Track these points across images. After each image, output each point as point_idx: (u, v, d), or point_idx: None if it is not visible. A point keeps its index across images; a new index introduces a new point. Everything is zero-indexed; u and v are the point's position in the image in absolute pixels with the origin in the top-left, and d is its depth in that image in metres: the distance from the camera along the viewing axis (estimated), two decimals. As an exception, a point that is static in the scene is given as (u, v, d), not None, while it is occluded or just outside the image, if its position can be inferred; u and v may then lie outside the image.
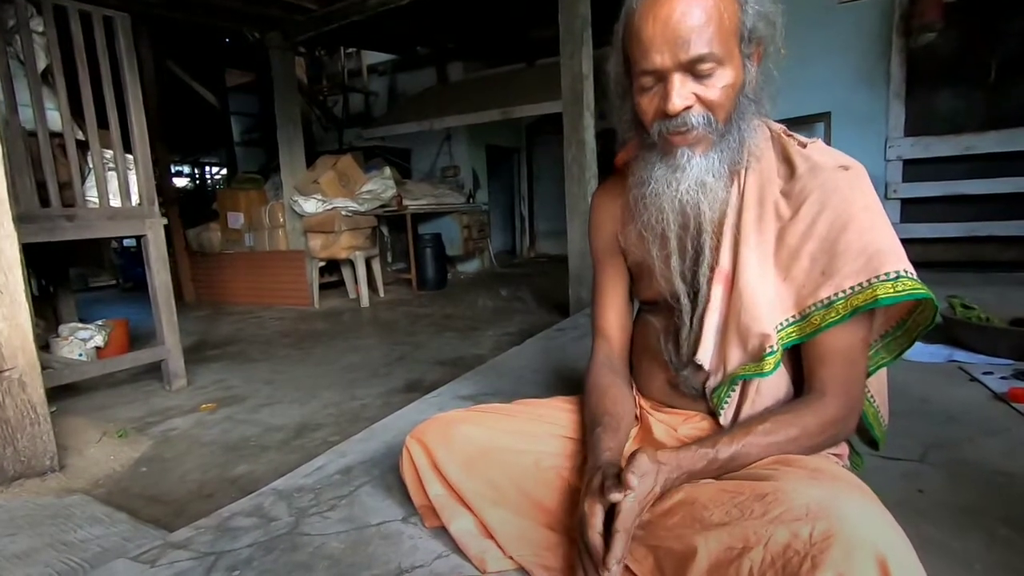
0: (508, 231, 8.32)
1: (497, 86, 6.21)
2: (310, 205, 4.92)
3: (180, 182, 8.96)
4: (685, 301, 0.89)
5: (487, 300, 4.84)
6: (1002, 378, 1.58)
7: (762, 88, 0.81)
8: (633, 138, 0.90)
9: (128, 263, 7.16)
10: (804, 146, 0.85)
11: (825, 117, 3.69)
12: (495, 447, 0.96)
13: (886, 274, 0.74)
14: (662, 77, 0.76)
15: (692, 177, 0.80)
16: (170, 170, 6.04)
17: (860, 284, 0.75)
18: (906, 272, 0.74)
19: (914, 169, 3.63)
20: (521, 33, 6.39)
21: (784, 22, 0.80)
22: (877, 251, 0.75)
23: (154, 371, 2.86)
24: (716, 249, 0.85)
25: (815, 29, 3.58)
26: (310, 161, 5.38)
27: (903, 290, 0.73)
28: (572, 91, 3.48)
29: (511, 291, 4.96)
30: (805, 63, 3.49)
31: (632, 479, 0.68)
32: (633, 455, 0.72)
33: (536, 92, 5.42)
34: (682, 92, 0.75)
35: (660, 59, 0.74)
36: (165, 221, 2.71)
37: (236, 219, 5.40)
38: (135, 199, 2.54)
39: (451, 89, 6.93)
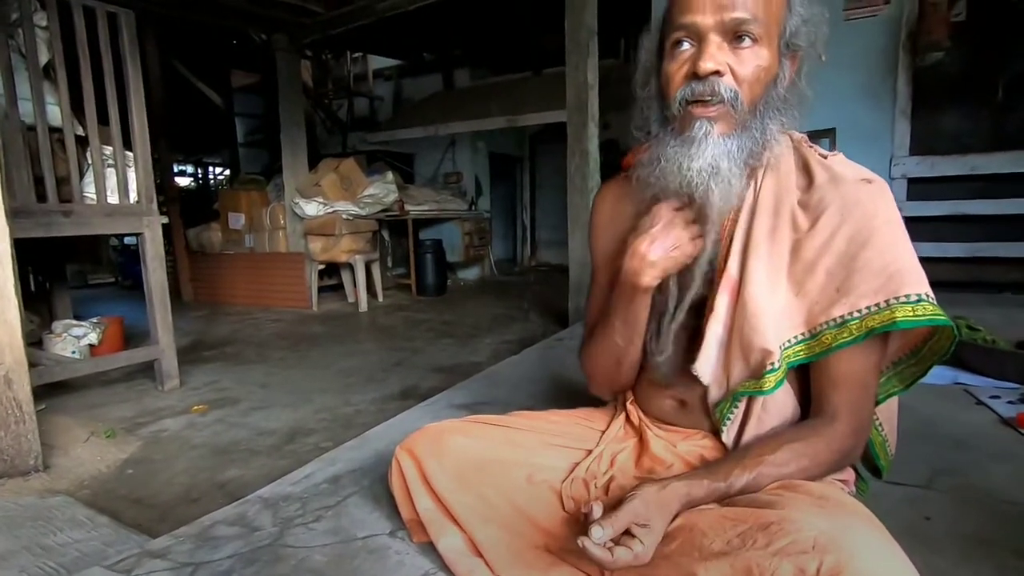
0: (509, 239, 8.30)
1: (503, 94, 6.22)
2: (311, 208, 4.91)
3: (183, 181, 8.96)
4: (672, 288, 0.85)
5: (486, 308, 4.81)
6: (1009, 402, 1.55)
7: (792, 95, 0.78)
8: (651, 128, 0.84)
9: (128, 261, 7.13)
10: (825, 157, 0.82)
11: (830, 133, 3.67)
12: (487, 460, 0.93)
13: (906, 296, 0.70)
14: (698, 37, 0.72)
15: (707, 156, 0.74)
16: (173, 169, 6.03)
17: (877, 304, 0.71)
18: (927, 296, 0.71)
19: (919, 188, 3.60)
20: (528, 42, 6.41)
21: (827, 33, 0.77)
22: (898, 271, 0.72)
23: (148, 370, 2.83)
24: (726, 254, 0.81)
25: (824, 45, 3.57)
26: (313, 164, 5.38)
27: (923, 315, 0.70)
28: (577, 100, 3.47)
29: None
30: (812, 79, 3.47)
31: (637, 546, 0.64)
32: (632, 495, 0.68)
33: (541, 101, 5.42)
34: (716, 55, 0.71)
35: (701, 15, 0.71)
36: (165, 220, 2.69)
37: (237, 220, 5.39)
38: (133, 197, 2.52)
39: (456, 95, 6.94)
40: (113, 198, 2.45)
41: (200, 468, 1.87)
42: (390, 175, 5.49)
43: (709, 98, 0.73)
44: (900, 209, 2.75)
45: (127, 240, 7.13)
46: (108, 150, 2.43)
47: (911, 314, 0.70)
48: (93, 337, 3.02)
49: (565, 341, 2.78)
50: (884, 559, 0.54)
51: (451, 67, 7.24)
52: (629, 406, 1.00)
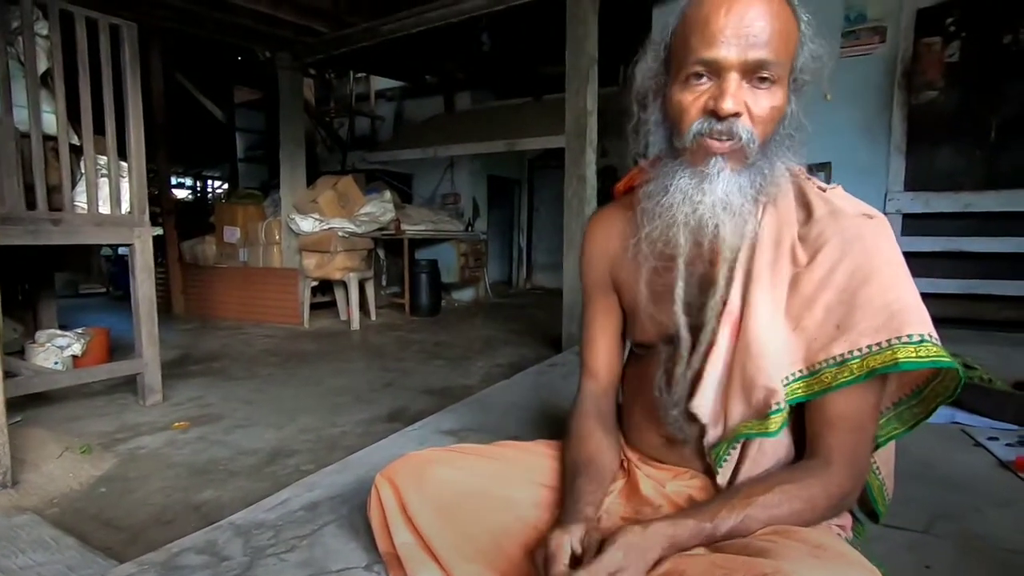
0: (505, 261, 8.30)
1: (503, 118, 6.28)
2: (307, 224, 4.89)
3: (180, 193, 8.96)
4: (685, 334, 0.80)
5: (479, 330, 4.77)
6: (1008, 444, 1.52)
7: (798, 129, 0.77)
8: (655, 153, 0.82)
9: (120, 271, 7.08)
10: (824, 190, 0.80)
11: (826, 167, 3.70)
12: (471, 493, 0.89)
13: (908, 336, 0.68)
14: (718, 72, 0.70)
15: (719, 192, 0.72)
16: (170, 181, 6.02)
17: (879, 344, 0.69)
18: (931, 336, 0.68)
19: (914, 223, 3.62)
20: (529, 68, 6.51)
21: (832, 68, 0.77)
22: (901, 309, 0.69)
23: (131, 384, 2.76)
24: (728, 286, 0.77)
25: (828, 82, 3.62)
26: (312, 181, 5.38)
27: (926, 356, 0.67)
28: (576, 126, 3.49)
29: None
30: (809, 113, 3.51)
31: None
32: (612, 540, 0.64)
33: (541, 126, 5.47)
34: (737, 94, 0.69)
35: (726, 51, 0.68)
36: (158, 231, 2.66)
37: (232, 233, 5.36)
38: (125, 207, 2.49)
39: (457, 118, 7.01)
40: (105, 208, 2.43)
41: (176, 488, 1.81)
42: (388, 194, 5.50)
43: (727, 137, 0.71)
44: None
45: (121, 250, 7.10)
46: (102, 160, 2.42)
47: (914, 355, 0.67)
48: (77, 348, 2.97)
49: (558, 367, 2.74)
50: (886, 618, 0.50)
51: (452, 90, 7.33)
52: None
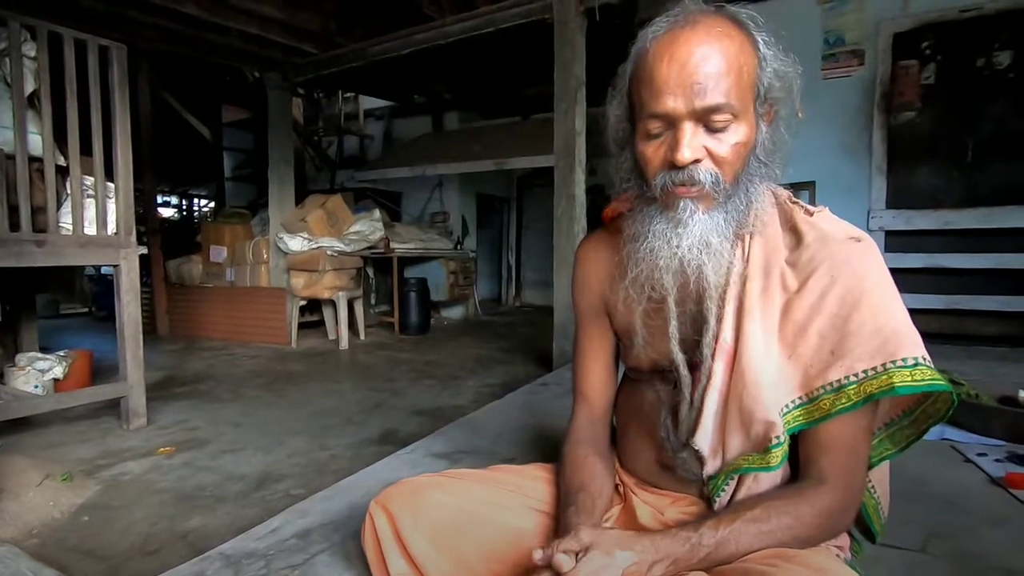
0: (494, 279, 8.30)
1: (491, 137, 6.33)
2: (296, 243, 4.87)
3: (166, 212, 8.88)
4: (684, 373, 0.80)
5: (469, 348, 4.75)
6: (996, 460, 1.53)
7: (773, 151, 0.76)
8: (630, 188, 0.83)
9: (103, 291, 6.97)
10: (811, 214, 0.81)
11: (810, 186, 3.78)
12: (466, 519, 0.87)
13: (903, 360, 0.68)
14: (672, 124, 0.70)
15: (695, 235, 0.73)
16: (156, 199, 5.98)
17: (874, 368, 0.69)
18: (924, 359, 0.69)
19: (896, 240, 3.70)
20: (516, 89, 6.59)
21: (801, 84, 0.76)
22: (893, 333, 0.69)
23: (114, 407, 2.70)
24: (719, 320, 0.77)
25: (802, 101, 3.71)
26: (300, 200, 5.37)
27: (921, 380, 0.68)
28: (565, 146, 3.53)
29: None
30: (791, 132, 3.59)
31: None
32: (587, 550, 0.65)
33: (529, 145, 5.52)
34: (692, 143, 0.69)
35: (673, 103, 0.68)
36: (144, 251, 2.63)
37: (219, 253, 5.32)
38: (112, 228, 2.46)
39: (445, 137, 7.06)
40: (91, 229, 2.40)
41: (161, 516, 1.76)
42: (377, 213, 5.49)
43: (690, 183, 0.71)
44: (880, 262, 2.73)
45: (104, 270, 7.00)
46: (89, 180, 2.40)
47: (909, 379, 0.68)
48: (58, 371, 2.90)
49: (550, 386, 2.73)
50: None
51: (441, 110, 7.39)
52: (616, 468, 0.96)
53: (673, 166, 0.70)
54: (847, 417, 0.72)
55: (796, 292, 0.75)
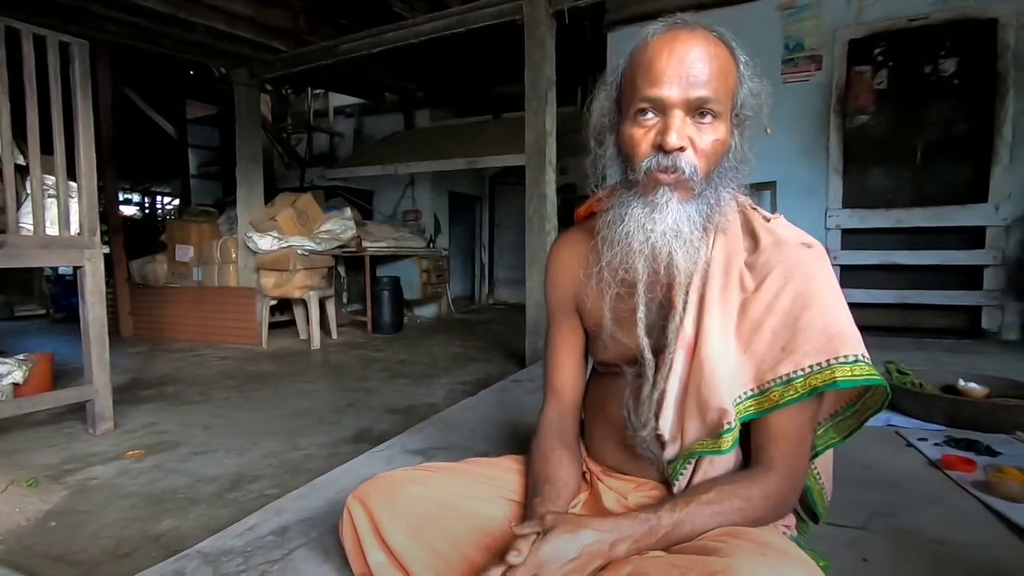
0: (467, 277, 8.32)
1: (463, 136, 6.35)
2: (265, 242, 4.81)
3: (128, 210, 8.62)
4: (649, 356, 0.85)
5: (442, 346, 4.78)
6: (935, 444, 1.65)
7: (741, 160, 0.84)
8: (609, 181, 0.88)
9: (61, 292, 6.74)
10: (768, 220, 0.88)
11: (771, 186, 3.92)
12: (442, 510, 0.91)
13: (845, 356, 0.75)
14: (664, 110, 0.76)
15: (669, 220, 0.79)
16: (118, 197, 5.81)
17: (819, 364, 0.76)
18: (863, 356, 0.76)
19: (852, 238, 3.86)
20: (487, 88, 6.62)
21: (771, 104, 0.84)
22: (837, 332, 0.76)
23: (79, 411, 2.65)
24: (682, 312, 0.83)
25: (768, 119, 3.85)
26: (269, 198, 5.30)
27: (860, 375, 0.75)
28: (535, 146, 3.59)
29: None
30: (754, 135, 3.73)
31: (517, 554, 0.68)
32: (547, 532, 0.71)
33: (500, 144, 5.56)
34: (681, 130, 0.76)
35: (668, 91, 0.75)
36: (106, 250, 2.58)
37: (185, 252, 5.21)
38: (75, 228, 2.41)
39: (417, 135, 7.04)
40: (53, 230, 2.34)
41: (132, 519, 1.75)
42: (348, 211, 5.46)
43: (673, 170, 0.77)
44: (835, 258, 2.98)
45: (61, 270, 6.77)
46: (50, 180, 2.34)
47: (849, 374, 0.75)
48: (18, 375, 2.83)
49: (522, 382, 2.78)
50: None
51: (412, 108, 7.37)
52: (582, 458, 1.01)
53: (660, 149, 0.77)
54: (794, 410, 0.79)
55: (753, 292, 0.81)
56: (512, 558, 0.68)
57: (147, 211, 9.23)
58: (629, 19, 4.26)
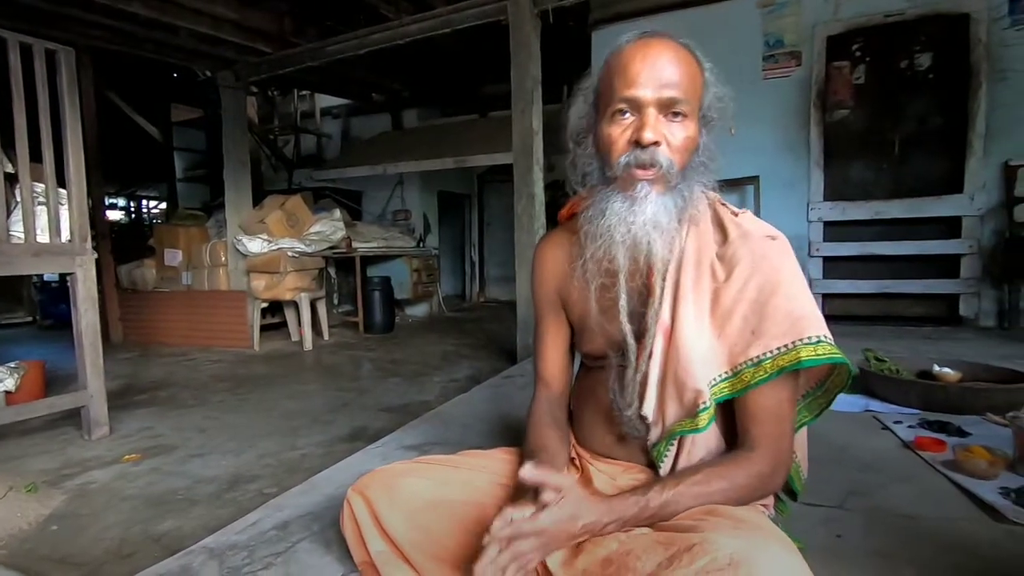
0: (458, 276, 8.36)
1: (451, 135, 6.37)
2: (255, 245, 4.82)
3: (114, 215, 8.56)
4: (631, 341, 0.91)
5: (434, 345, 4.81)
6: (909, 427, 1.72)
7: (711, 158, 0.90)
8: (588, 177, 0.93)
9: (49, 299, 6.69)
10: (736, 215, 0.94)
11: (755, 180, 3.99)
12: (439, 500, 0.96)
13: (808, 338, 0.81)
14: (639, 109, 0.82)
15: (648, 213, 0.84)
16: (104, 202, 5.78)
17: (785, 346, 0.82)
18: (825, 337, 0.82)
19: (833, 230, 3.95)
20: (474, 87, 6.65)
21: (734, 108, 0.90)
22: (801, 316, 0.82)
23: (72, 418, 2.67)
24: (659, 301, 0.89)
25: (745, 100, 3.85)
26: (257, 200, 5.30)
27: (823, 354, 0.81)
28: (523, 145, 3.63)
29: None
30: (737, 130, 3.80)
31: (548, 496, 0.73)
32: (564, 478, 0.77)
33: (488, 143, 5.59)
34: (656, 127, 0.82)
35: (643, 91, 0.81)
36: (95, 256, 2.59)
37: (174, 256, 5.20)
38: (65, 235, 2.42)
39: (405, 135, 7.05)
40: (43, 237, 2.35)
41: (133, 521, 1.78)
42: (337, 212, 5.48)
43: (650, 164, 0.83)
44: (818, 250, 3.07)
45: (47, 277, 6.72)
46: (40, 187, 2.35)
47: (813, 353, 0.81)
48: (10, 383, 2.83)
49: (514, 378, 2.83)
50: (787, 573, 0.62)
51: (399, 108, 7.37)
52: (572, 444, 1.06)
53: (637, 145, 0.83)
54: (772, 390, 0.84)
55: (724, 282, 0.87)
56: (514, 514, 0.73)
57: (133, 215, 9.16)
58: (613, 17, 4.32)
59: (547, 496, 0.73)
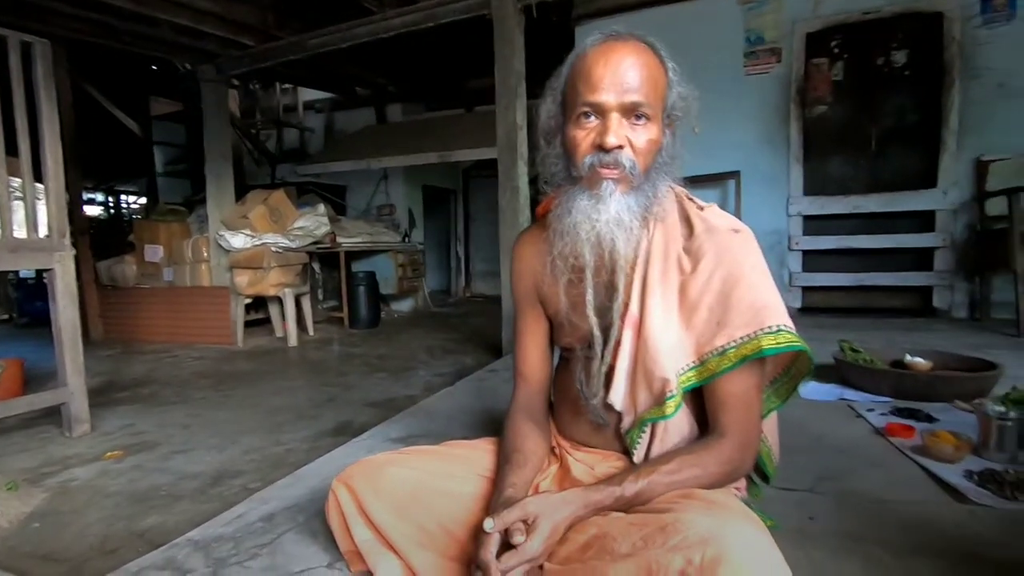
0: (444, 270, 8.36)
1: (435, 130, 6.36)
2: (238, 240, 4.77)
3: (93, 210, 8.40)
4: (597, 333, 0.94)
5: (420, 340, 4.82)
6: (881, 414, 1.78)
7: (674, 156, 0.93)
8: (557, 181, 0.96)
9: (26, 296, 6.57)
10: (702, 209, 0.97)
11: (736, 175, 4.05)
12: (423, 490, 0.98)
13: (769, 327, 0.85)
14: (603, 113, 0.85)
15: (611, 211, 0.87)
16: (82, 197, 5.67)
17: (748, 335, 0.85)
18: (786, 326, 0.85)
19: (813, 224, 4.02)
20: (459, 82, 6.62)
21: (699, 107, 0.93)
22: (763, 306, 0.86)
23: (52, 416, 2.63)
24: (628, 291, 0.92)
25: (727, 97, 3.98)
26: (240, 195, 5.24)
27: (783, 342, 0.84)
28: (507, 140, 3.64)
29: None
30: (719, 126, 3.86)
31: (517, 537, 0.75)
32: (524, 503, 0.78)
33: (473, 137, 5.60)
34: (618, 131, 0.84)
35: (606, 96, 0.84)
36: (73, 251, 2.56)
37: (155, 252, 5.13)
38: (43, 231, 2.39)
39: (389, 130, 7.02)
40: (21, 232, 2.32)
41: (116, 517, 1.77)
42: (321, 207, 5.44)
43: (614, 165, 0.86)
44: (797, 244, 3.13)
45: (23, 274, 6.59)
46: (16, 182, 2.31)
47: (773, 342, 0.84)
48: (-12, 381, 2.78)
49: (499, 372, 2.85)
50: (756, 549, 0.64)
51: (384, 102, 7.33)
52: (553, 434, 1.09)
53: (601, 148, 0.85)
54: (739, 378, 0.87)
55: (690, 274, 0.91)
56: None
57: (112, 211, 9.01)
58: (596, 13, 4.34)
59: (517, 538, 0.75)
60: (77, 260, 5.10)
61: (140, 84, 6.60)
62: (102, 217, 8.63)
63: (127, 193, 9.12)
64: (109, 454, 2.31)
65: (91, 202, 8.62)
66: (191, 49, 4.50)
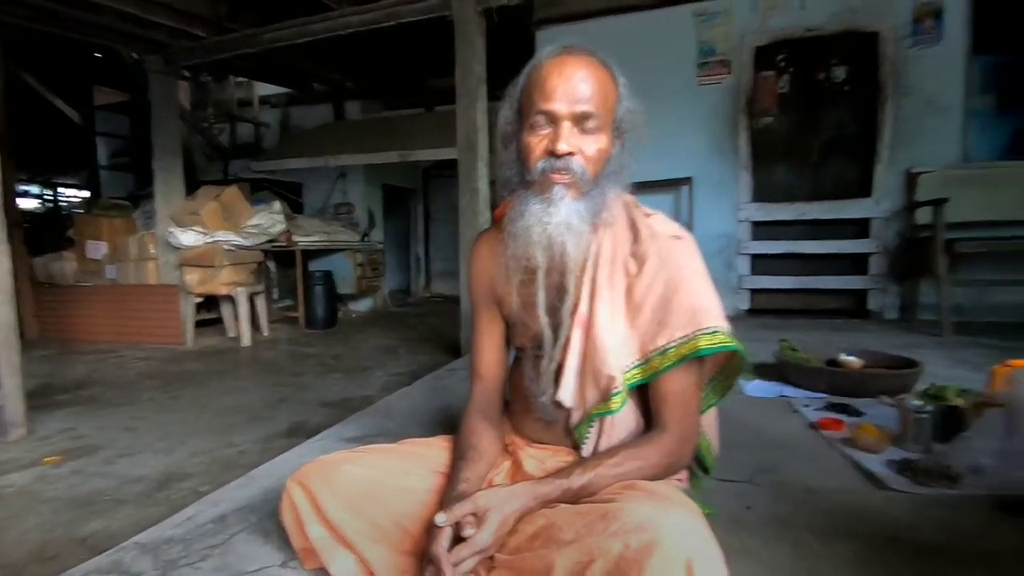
0: (403, 270, 8.29)
1: (395, 128, 6.31)
2: (188, 237, 4.61)
3: (28, 203, 7.94)
4: (548, 332, 0.99)
5: (377, 340, 4.78)
6: (816, 409, 1.90)
7: (622, 166, 0.98)
8: (512, 186, 1.00)
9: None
10: (648, 216, 1.02)
11: (688, 181, 4.19)
12: (377, 486, 0.99)
13: (706, 328, 0.91)
14: (555, 121, 0.89)
15: (562, 214, 0.91)
16: (15, 189, 5.36)
17: (686, 335, 0.91)
18: (721, 328, 0.92)
19: (760, 229, 4.21)
20: (420, 81, 6.60)
21: (645, 120, 0.98)
22: (701, 309, 0.92)
23: (-17, 420, 2.49)
24: (577, 293, 0.97)
25: (681, 105, 4.12)
26: (190, 190, 5.07)
27: (719, 342, 0.90)
28: (467, 141, 3.66)
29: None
30: (673, 133, 4.00)
31: (468, 531, 0.80)
32: (474, 497, 0.83)
33: (434, 137, 5.59)
34: (570, 139, 0.89)
35: (558, 105, 0.89)
36: (7, 247, 2.43)
37: (97, 248, 4.91)
38: (-24, 225, 2.27)
39: (348, 127, 6.92)
40: (-51, 227, 2.19)
41: (55, 523, 1.70)
42: (277, 205, 5.32)
43: (565, 171, 0.90)
44: (746, 248, 3.29)
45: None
46: (-55, 173, 2.19)
47: (710, 342, 0.90)
48: (-90, 384, 2.61)
49: (458, 371, 2.87)
50: (688, 534, 0.69)
51: (342, 99, 7.22)
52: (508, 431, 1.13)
53: (552, 154, 0.90)
54: (678, 376, 0.93)
55: (635, 276, 0.96)
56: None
57: (51, 204, 8.53)
58: (557, 18, 4.41)
59: (468, 531, 0.80)
60: (11, 256, 4.83)
61: (83, 72, 6.29)
62: (38, 211, 8.16)
63: (67, 186, 8.65)
64: (47, 459, 2.21)
65: (26, 195, 8.14)
66: (139, 38, 4.33)
